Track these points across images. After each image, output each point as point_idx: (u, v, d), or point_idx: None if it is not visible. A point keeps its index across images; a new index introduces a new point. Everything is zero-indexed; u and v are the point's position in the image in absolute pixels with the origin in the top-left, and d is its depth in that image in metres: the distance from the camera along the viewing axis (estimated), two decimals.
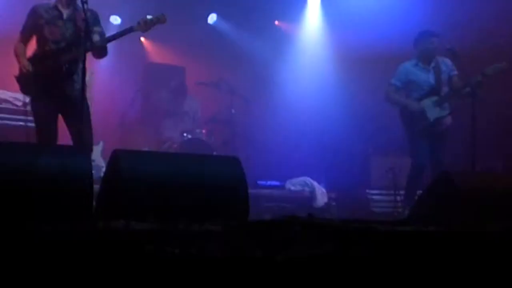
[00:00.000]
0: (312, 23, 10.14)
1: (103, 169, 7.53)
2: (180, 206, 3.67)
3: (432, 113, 6.55)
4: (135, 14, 9.48)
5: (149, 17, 5.18)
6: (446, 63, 6.70)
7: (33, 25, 5.21)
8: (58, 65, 5.14)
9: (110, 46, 8.69)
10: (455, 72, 6.65)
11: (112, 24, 10.12)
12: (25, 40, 5.29)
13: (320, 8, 10.06)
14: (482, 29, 7.88)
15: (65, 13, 5.22)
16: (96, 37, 5.18)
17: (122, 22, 10.12)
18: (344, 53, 9.20)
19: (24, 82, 5.24)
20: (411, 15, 8.09)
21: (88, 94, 4.83)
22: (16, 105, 6.48)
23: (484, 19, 7.85)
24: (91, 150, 5.16)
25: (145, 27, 5.18)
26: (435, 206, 5.02)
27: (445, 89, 6.63)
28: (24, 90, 5.35)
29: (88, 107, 5.08)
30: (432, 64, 6.66)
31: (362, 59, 8.83)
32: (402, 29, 7.59)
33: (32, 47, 5.35)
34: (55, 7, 5.24)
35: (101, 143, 8.01)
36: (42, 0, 5.39)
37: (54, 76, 5.17)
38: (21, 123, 6.84)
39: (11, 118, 6.78)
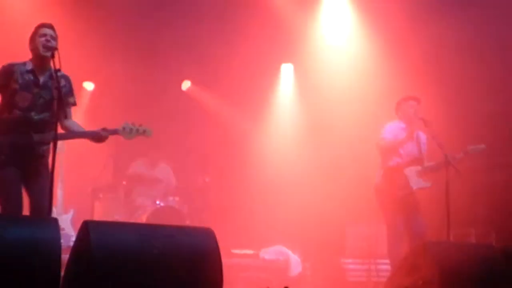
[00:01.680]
0: (286, 91, 10.24)
1: (73, 238, 7.38)
2: (153, 279, 3.57)
3: (415, 182, 6.57)
4: (108, 80, 9.60)
5: (135, 127, 5.08)
6: (423, 136, 6.79)
7: (5, 86, 4.96)
8: (30, 144, 4.94)
9: (81, 111, 8.83)
10: (426, 146, 6.76)
11: (86, 90, 10.16)
12: None
13: (293, 77, 10.19)
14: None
15: (41, 79, 5.02)
16: (69, 110, 5.10)
17: (95, 88, 10.17)
18: (319, 119, 9.29)
19: None
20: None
21: (59, 160, 4.69)
22: None
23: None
24: (51, 213, 4.91)
25: (129, 135, 5.08)
26: (410, 276, 4.99)
27: (425, 161, 6.68)
28: None
29: (51, 177, 4.87)
30: (414, 134, 6.73)
31: (336, 124, 8.94)
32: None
33: None
34: (32, 72, 5.00)
35: (71, 212, 7.84)
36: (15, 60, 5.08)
37: (22, 151, 4.95)
38: None
39: None
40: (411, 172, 6.59)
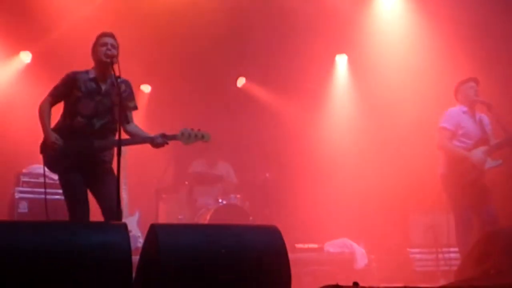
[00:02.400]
0: (340, 82, 10.15)
1: (140, 239, 7.56)
2: (221, 280, 3.61)
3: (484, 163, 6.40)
4: (165, 82, 9.75)
5: (193, 132, 5.16)
6: (485, 118, 6.62)
7: (68, 93, 5.13)
8: (91, 150, 5.09)
9: (140, 113, 8.99)
10: (491, 127, 6.58)
11: (143, 92, 10.36)
12: (53, 103, 5.18)
13: (347, 67, 10.10)
14: None
15: (103, 87, 5.17)
16: (130, 114, 5.21)
17: (152, 90, 10.35)
18: (376, 109, 9.17)
19: (50, 159, 5.12)
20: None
21: (122, 164, 4.77)
22: (53, 179, 6.52)
23: None
24: (121, 218, 5.04)
25: (188, 140, 5.16)
26: (481, 265, 4.89)
27: (492, 140, 6.50)
28: (49, 166, 5.20)
29: (115, 178, 4.93)
30: (477, 117, 6.57)
31: (393, 113, 8.82)
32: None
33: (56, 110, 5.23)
34: (94, 80, 5.16)
35: (136, 213, 8.02)
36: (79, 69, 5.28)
37: (84, 157, 5.10)
38: (57, 196, 6.91)
39: (50, 192, 6.81)
40: (477, 153, 6.41)
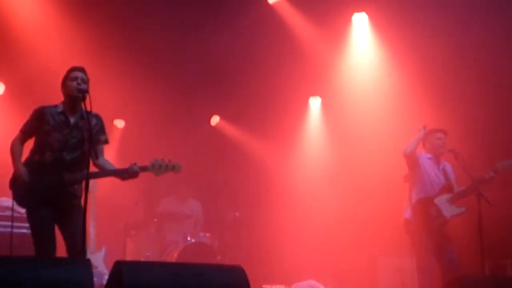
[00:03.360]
0: (313, 124, 10.27)
1: (106, 276, 7.44)
2: None
3: (448, 210, 6.48)
4: (138, 117, 9.76)
5: (164, 163, 5.16)
6: (448, 166, 6.75)
7: (37, 128, 5.11)
8: (61, 184, 5.05)
9: (112, 149, 8.96)
10: (453, 175, 6.70)
11: (116, 127, 10.34)
12: (24, 140, 5.16)
13: (320, 109, 10.23)
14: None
15: (72, 120, 5.14)
16: (100, 148, 5.21)
17: (125, 125, 10.34)
18: (348, 152, 9.29)
19: (19, 192, 5.06)
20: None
21: (91, 199, 4.75)
22: (20, 213, 6.43)
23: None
24: (85, 253, 4.98)
25: (159, 171, 5.15)
26: None
27: (456, 187, 6.60)
28: (18, 200, 5.12)
29: (84, 216, 4.98)
30: (441, 166, 6.69)
31: (365, 157, 8.93)
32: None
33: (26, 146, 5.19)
34: (63, 113, 5.13)
35: (103, 249, 7.91)
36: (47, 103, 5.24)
37: (54, 191, 5.05)
38: (24, 230, 6.81)
39: (16, 226, 6.71)
40: (442, 201, 6.51)
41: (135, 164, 5.10)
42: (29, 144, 5.24)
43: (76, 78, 5.12)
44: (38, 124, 5.11)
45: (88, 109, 4.87)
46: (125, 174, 5.10)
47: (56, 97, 5.34)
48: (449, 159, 6.74)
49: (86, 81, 5.16)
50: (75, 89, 5.07)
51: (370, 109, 9.02)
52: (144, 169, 5.12)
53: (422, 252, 6.52)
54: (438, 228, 6.45)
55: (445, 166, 6.75)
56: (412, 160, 6.61)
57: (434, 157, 6.68)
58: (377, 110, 8.93)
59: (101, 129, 5.31)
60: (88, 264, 3.73)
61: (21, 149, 5.14)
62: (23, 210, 5.28)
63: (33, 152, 5.16)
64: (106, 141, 5.38)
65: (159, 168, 5.14)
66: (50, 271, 3.66)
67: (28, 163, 5.11)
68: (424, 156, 6.70)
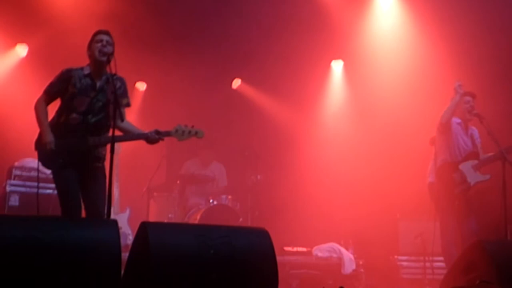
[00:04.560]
0: (336, 87, 10.21)
1: (130, 237, 7.57)
2: (210, 279, 3.65)
3: (473, 177, 6.46)
4: (160, 80, 9.77)
5: (187, 129, 5.20)
6: (476, 131, 6.69)
7: (63, 90, 5.13)
8: (85, 147, 5.09)
9: (134, 111, 9.00)
10: (480, 140, 6.65)
11: (138, 89, 10.38)
12: (49, 100, 5.18)
13: (343, 73, 10.16)
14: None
15: (98, 83, 5.17)
16: (123, 112, 5.22)
17: (147, 87, 10.37)
18: (370, 116, 9.23)
19: (45, 155, 5.10)
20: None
21: (115, 161, 4.80)
22: (45, 173, 6.54)
23: None
24: (108, 215, 5.04)
25: (182, 136, 5.20)
26: (467, 275, 4.93)
27: (481, 154, 6.57)
28: (43, 162, 5.18)
29: (109, 180, 5.03)
30: (469, 131, 6.64)
31: (387, 120, 8.88)
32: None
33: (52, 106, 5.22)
34: (89, 76, 5.16)
35: (127, 210, 8.04)
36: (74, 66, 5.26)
37: (78, 154, 5.10)
38: (49, 191, 6.93)
39: (42, 187, 6.84)
40: (467, 167, 6.48)
41: (157, 130, 5.14)
42: (54, 105, 5.28)
43: (101, 41, 5.14)
44: (65, 86, 5.13)
45: (113, 71, 4.91)
46: (148, 138, 5.14)
47: (79, 60, 5.37)
48: (475, 124, 6.69)
49: (111, 44, 5.17)
50: (99, 52, 5.09)
51: (393, 72, 8.93)
52: (167, 134, 5.17)
53: (445, 216, 6.53)
54: (461, 193, 6.44)
55: (473, 131, 6.70)
56: (446, 127, 6.55)
57: (463, 122, 6.62)
58: (400, 72, 8.83)
59: (124, 92, 5.34)
60: (115, 224, 3.80)
61: (47, 110, 5.17)
62: (48, 171, 5.35)
63: (59, 113, 5.19)
64: (128, 104, 5.41)
65: (182, 134, 5.19)
66: (78, 231, 3.75)
67: (54, 124, 5.15)
68: (454, 121, 6.64)
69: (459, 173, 6.45)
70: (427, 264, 7.51)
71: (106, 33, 5.22)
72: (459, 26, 8.10)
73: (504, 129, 6.71)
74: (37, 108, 5.14)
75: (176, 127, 5.19)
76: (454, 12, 8.04)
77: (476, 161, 6.49)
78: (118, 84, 5.23)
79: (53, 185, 5.51)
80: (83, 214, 5.11)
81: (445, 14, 8.10)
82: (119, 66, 4.98)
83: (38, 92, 5.25)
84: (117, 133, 5.16)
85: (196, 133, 5.25)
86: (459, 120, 6.64)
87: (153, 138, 5.13)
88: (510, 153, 6.17)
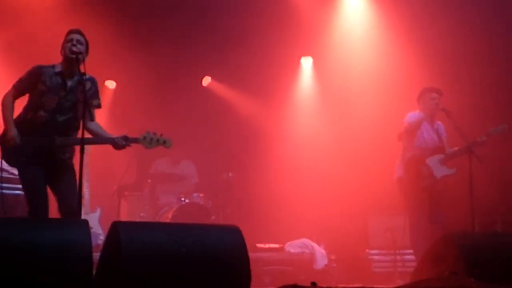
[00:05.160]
0: (305, 84, 10.27)
1: (101, 237, 7.52)
2: (182, 277, 3.65)
3: (439, 171, 6.56)
4: (130, 78, 9.71)
5: (155, 137, 5.19)
6: (441, 126, 6.80)
7: (32, 87, 5.08)
8: (52, 146, 5.04)
9: (104, 110, 8.93)
10: (445, 135, 6.77)
11: (108, 88, 10.28)
12: (16, 96, 5.12)
13: (312, 69, 10.21)
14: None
15: (69, 83, 5.13)
16: (92, 113, 5.19)
17: (116, 86, 10.28)
18: (340, 112, 9.31)
19: (9, 152, 5.04)
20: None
21: (84, 160, 4.77)
22: (14, 174, 6.44)
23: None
24: (79, 215, 5.06)
25: (149, 144, 5.19)
26: (436, 267, 5.01)
27: (447, 148, 6.68)
28: (8, 160, 5.11)
29: (75, 174, 4.96)
30: (435, 126, 6.75)
31: (357, 116, 8.96)
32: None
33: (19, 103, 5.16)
34: (60, 75, 5.12)
35: (98, 210, 7.97)
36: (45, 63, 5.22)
37: (44, 153, 5.05)
38: (18, 192, 6.82)
39: (9, 188, 6.72)
40: (433, 161, 6.60)
41: (125, 136, 5.11)
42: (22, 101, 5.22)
43: (71, 40, 5.11)
44: (34, 83, 5.09)
45: (83, 71, 4.89)
46: (116, 144, 5.11)
47: (47, 57, 5.32)
48: (441, 118, 6.80)
49: (82, 43, 5.15)
50: (69, 51, 5.06)
51: (361, 68, 9.02)
52: (134, 141, 5.15)
53: (413, 210, 6.64)
54: (429, 187, 6.55)
55: (439, 126, 6.81)
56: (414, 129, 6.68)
57: (428, 117, 6.72)
58: (368, 69, 8.93)
59: (95, 93, 5.31)
60: (85, 224, 3.78)
61: (13, 106, 5.11)
62: (15, 171, 5.29)
63: (26, 110, 5.15)
64: (99, 106, 5.39)
65: (150, 142, 5.19)
66: (48, 231, 3.70)
67: (20, 120, 5.10)
68: (419, 116, 6.73)
69: (426, 167, 6.56)
70: (398, 258, 7.62)
71: (78, 32, 5.19)
72: (425, 24, 8.23)
73: (469, 123, 6.82)
74: (3, 103, 5.09)
75: (144, 134, 5.18)
76: (421, 10, 8.16)
77: (442, 155, 6.61)
78: (89, 85, 5.21)
79: (19, 186, 5.45)
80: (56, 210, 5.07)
81: (411, 11, 8.21)
82: (88, 63, 4.95)
83: (6, 88, 5.20)
84: (85, 134, 5.14)
85: (164, 142, 5.25)
86: (424, 116, 6.74)
87: (120, 144, 5.10)
88: (476, 147, 6.29)
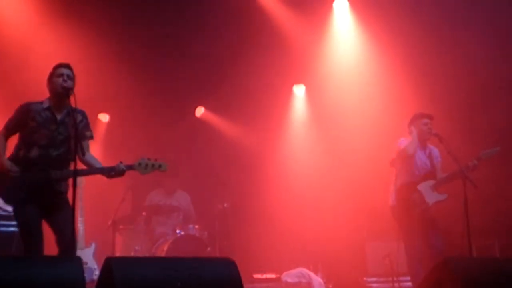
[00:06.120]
0: (298, 111, 10.30)
1: (96, 272, 7.45)
2: None
3: (431, 197, 6.55)
4: (123, 111, 9.73)
5: (150, 162, 5.18)
6: (435, 150, 6.80)
7: (22, 124, 5.09)
8: (47, 181, 5.02)
9: (97, 142, 8.93)
10: (440, 159, 6.77)
11: (101, 121, 10.30)
12: (8, 136, 5.15)
13: (305, 97, 10.26)
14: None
15: (59, 117, 5.13)
16: (86, 144, 5.20)
17: (110, 119, 10.30)
18: (334, 140, 9.33)
19: (5, 190, 5.04)
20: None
21: (78, 194, 4.75)
22: (7, 211, 6.41)
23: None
24: (75, 248, 5.01)
25: (145, 170, 5.18)
26: None
27: (439, 174, 6.67)
28: (4, 198, 5.09)
29: (70, 208, 4.93)
30: (427, 150, 6.75)
31: (350, 144, 8.98)
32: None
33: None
34: (49, 110, 5.12)
35: (93, 245, 7.91)
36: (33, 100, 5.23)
37: (40, 188, 5.03)
38: (12, 229, 6.78)
39: (4, 224, 6.70)
40: (425, 187, 6.58)
41: (121, 162, 5.10)
42: (13, 141, 5.21)
43: (61, 75, 5.12)
44: (24, 120, 5.09)
45: (73, 105, 4.89)
46: (112, 172, 5.09)
47: (38, 94, 5.33)
48: (434, 143, 6.80)
49: (71, 78, 5.16)
50: (59, 86, 5.06)
51: (354, 94, 9.07)
52: (130, 167, 5.14)
53: (409, 237, 6.60)
54: (421, 214, 6.52)
55: (432, 150, 6.80)
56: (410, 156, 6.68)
57: (421, 143, 6.72)
58: (360, 95, 8.99)
59: (86, 125, 5.33)
60: (79, 262, 3.74)
61: (5, 144, 5.13)
62: (10, 208, 5.26)
63: (18, 148, 5.14)
64: (92, 137, 5.39)
65: (145, 167, 5.17)
66: (42, 270, 3.67)
67: (13, 159, 5.09)
68: (414, 143, 6.72)
69: (418, 194, 6.54)
70: (396, 285, 7.55)
71: (67, 66, 5.21)
72: (416, 50, 8.29)
73: (461, 148, 6.82)
74: None
75: (139, 161, 5.17)
76: (411, 36, 8.22)
77: (433, 181, 6.60)
78: (80, 118, 5.22)
79: (14, 222, 5.42)
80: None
81: (403, 37, 8.28)
82: (80, 97, 4.96)
83: None
84: (80, 166, 5.12)
85: (160, 166, 5.23)
86: (416, 141, 6.74)
87: (120, 169, 5.08)
88: (468, 171, 6.28)
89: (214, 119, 10.49)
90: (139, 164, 5.15)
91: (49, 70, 5.24)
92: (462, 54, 8.00)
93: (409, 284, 7.14)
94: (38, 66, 7.06)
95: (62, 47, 8.06)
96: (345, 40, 9.20)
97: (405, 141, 6.76)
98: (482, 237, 7.46)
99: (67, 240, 4.89)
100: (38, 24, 8.15)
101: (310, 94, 10.16)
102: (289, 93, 10.32)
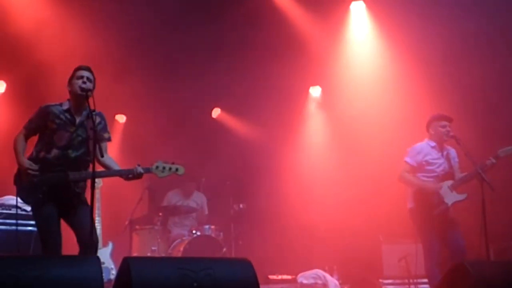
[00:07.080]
0: (314, 113, 10.31)
1: (113, 271, 7.51)
2: None
3: (450, 197, 6.51)
4: (140, 113, 9.79)
5: (168, 165, 5.21)
6: (452, 151, 6.76)
7: (42, 125, 5.15)
8: (66, 182, 5.08)
9: (114, 144, 8.98)
10: (457, 160, 6.73)
11: (118, 122, 10.38)
12: (27, 137, 5.21)
13: (321, 98, 10.27)
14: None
15: (78, 119, 5.19)
16: (104, 145, 5.26)
17: (126, 120, 10.37)
18: (351, 141, 9.31)
19: (24, 190, 5.10)
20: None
21: (96, 195, 4.78)
22: (26, 211, 6.47)
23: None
24: (96, 247, 5.04)
25: (162, 173, 5.21)
26: None
27: (457, 174, 6.63)
28: (22, 197, 5.16)
29: (90, 210, 4.91)
30: (444, 152, 6.71)
31: (367, 145, 8.96)
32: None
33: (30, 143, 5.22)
34: (68, 111, 5.18)
35: (110, 245, 7.98)
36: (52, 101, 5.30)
37: (58, 189, 5.08)
38: (30, 228, 6.85)
39: (22, 224, 6.75)
40: (443, 188, 6.54)
41: (139, 165, 5.14)
42: (33, 141, 5.28)
43: (81, 77, 5.17)
44: (43, 122, 5.15)
45: (92, 107, 4.94)
46: (130, 175, 5.14)
47: (58, 95, 5.38)
48: (451, 144, 6.77)
49: (91, 80, 5.21)
50: (79, 88, 5.11)
51: (370, 97, 9.06)
52: (148, 170, 5.17)
53: (427, 239, 6.54)
54: (440, 215, 6.47)
55: (449, 151, 6.75)
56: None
57: (438, 145, 6.69)
58: (376, 98, 8.97)
59: (104, 127, 5.37)
60: (97, 262, 3.78)
61: (25, 145, 5.19)
62: (29, 208, 5.31)
63: (38, 149, 5.19)
64: (109, 139, 5.44)
65: (162, 170, 5.20)
66: (60, 269, 3.70)
67: (33, 160, 5.14)
68: (427, 145, 6.70)
69: (436, 195, 6.50)
70: (412, 287, 7.53)
71: (87, 69, 5.26)
72: (433, 53, 8.26)
73: (479, 147, 6.78)
74: (15, 143, 5.16)
75: (156, 164, 5.20)
76: (428, 40, 8.20)
77: (452, 182, 6.55)
78: (98, 120, 5.27)
79: (33, 222, 5.46)
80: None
81: (419, 41, 8.25)
82: (98, 98, 5.01)
83: (16, 128, 5.28)
84: (98, 168, 5.17)
85: (177, 169, 5.25)
86: (433, 144, 6.70)
87: (137, 172, 5.12)
88: (485, 170, 6.24)
89: (231, 120, 10.52)
90: (156, 167, 5.18)
91: (62, 66, 5.28)
92: (483, 54, 7.96)
93: (425, 286, 7.11)
94: (55, 69, 7.15)
95: (81, 45, 8.13)
96: (362, 43, 9.19)
97: (416, 148, 6.72)
98: (499, 240, 7.40)
99: (89, 240, 4.92)
100: (56, 14, 8.20)
101: (326, 96, 10.15)
102: (306, 95, 10.32)
